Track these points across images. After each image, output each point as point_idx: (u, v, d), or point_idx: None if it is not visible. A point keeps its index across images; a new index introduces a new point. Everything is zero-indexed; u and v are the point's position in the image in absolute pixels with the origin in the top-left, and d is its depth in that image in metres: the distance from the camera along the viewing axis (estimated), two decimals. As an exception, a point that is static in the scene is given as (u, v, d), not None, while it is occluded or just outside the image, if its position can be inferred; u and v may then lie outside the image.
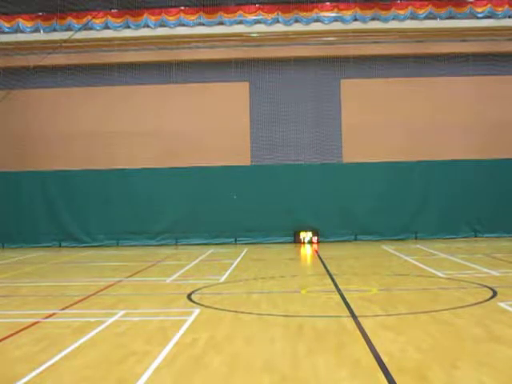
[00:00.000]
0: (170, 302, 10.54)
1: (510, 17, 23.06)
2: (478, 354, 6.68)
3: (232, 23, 23.26)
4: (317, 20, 23.14)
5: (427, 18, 23.12)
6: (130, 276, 14.33)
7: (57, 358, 6.85)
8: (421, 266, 14.82)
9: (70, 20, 23.23)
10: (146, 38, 23.79)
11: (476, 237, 22.76)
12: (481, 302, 9.69)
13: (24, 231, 23.20)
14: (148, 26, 23.45)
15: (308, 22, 23.14)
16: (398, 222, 22.67)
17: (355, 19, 23.08)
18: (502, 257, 16.54)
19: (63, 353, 7.08)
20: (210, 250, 20.56)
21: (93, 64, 24.31)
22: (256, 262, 16.85)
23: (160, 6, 23.31)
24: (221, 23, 23.37)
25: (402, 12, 22.97)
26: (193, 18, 23.26)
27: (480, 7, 22.87)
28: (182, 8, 23.30)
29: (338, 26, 23.17)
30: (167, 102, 24.33)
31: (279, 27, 23.40)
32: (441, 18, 23.15)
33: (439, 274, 13.17)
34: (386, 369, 6.13)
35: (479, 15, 22.97)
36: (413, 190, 22.80)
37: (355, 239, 22.77)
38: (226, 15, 23.18)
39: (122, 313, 9.50)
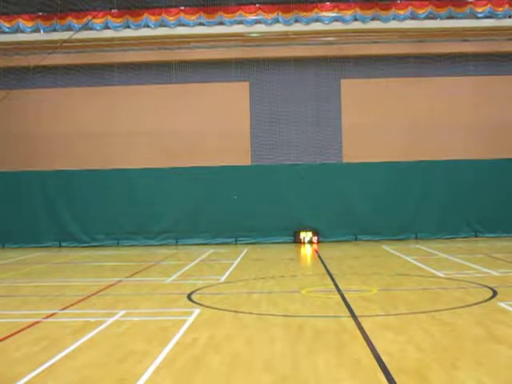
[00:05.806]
0: (170, 302, 10.54)
1: (510, 17, 23.01)
2: (478, 353, 6.68)
3: (232, 23, 23.22)
4: (317, 20, 23.10)
5: (427, 17, 23.07)
6: (130, 276, 14.33)
7: (57, 358, 6.85)
8: (421, 265, 14.82)
9: (70, 20, 23.19)
10: (146, 38, 23.74)
11: (476, 237, 22.75)
12: (481, 302, 9.69)
13: (24, 231, 23.17)
14: (148, 26, 23.41)
15: (308, 22, 23.11)
16: (397, 222, 22.66)
17: (355, 19, 23.03)
18: (501, 257, 16.54)
19: (63, 353, 7.09)
20: (210, 250, 20.55)
21: (93, 64, 24.30)
22: (256, 262, 16.86)
23: (160, 6, 23.28)
24: (221, 23, 23.33)
25: (402, 12, 22.94)
26: (193, 17, 23.23)
27: (480, 7, 22.84)
28: (182, 8, 23.27)
29: (338, 25, 23.11)
30: (167, 102, 24.31)
31: (279, 27, 23.36)
32: (441, 18, 23.11)
33: (439, 274, 13.17)
34: (386, 369, 6.13)
35: (479, 15, 22.94)
36: (413, 190, 22.79)
37: (355, 239, 22.77)
38: (225, 15, 23.15)
39: (122, 313, 9.50)
